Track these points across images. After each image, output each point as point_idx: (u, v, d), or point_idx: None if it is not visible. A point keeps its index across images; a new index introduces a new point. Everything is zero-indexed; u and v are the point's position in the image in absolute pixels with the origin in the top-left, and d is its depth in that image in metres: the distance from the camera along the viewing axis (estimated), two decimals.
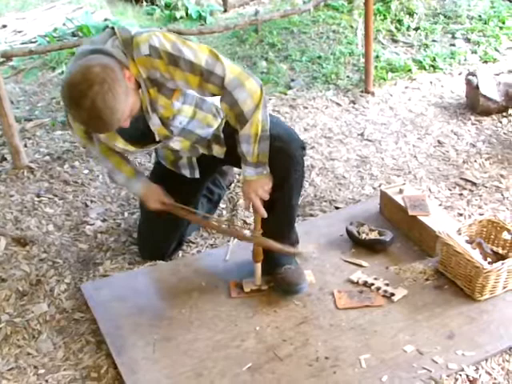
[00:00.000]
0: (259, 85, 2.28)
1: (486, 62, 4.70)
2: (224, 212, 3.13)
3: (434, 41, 4.98)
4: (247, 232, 2.70)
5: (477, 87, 3.91)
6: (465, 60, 4.72)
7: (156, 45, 2.15)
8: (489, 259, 2.50)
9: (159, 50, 2.15)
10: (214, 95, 2.31)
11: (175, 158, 2.62)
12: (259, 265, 2.52)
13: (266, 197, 2.41)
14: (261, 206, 2.40)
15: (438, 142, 3.72)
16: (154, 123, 2.33)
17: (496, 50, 4.83)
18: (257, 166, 2.34)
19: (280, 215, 2.51)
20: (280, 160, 2.37)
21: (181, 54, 2.17)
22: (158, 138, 2.40)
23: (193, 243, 2.92)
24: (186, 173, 2.65)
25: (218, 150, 2.55)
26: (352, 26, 5.19)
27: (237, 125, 2.30)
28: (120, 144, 2.39)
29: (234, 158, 2.40)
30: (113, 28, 2.22)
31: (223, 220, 3.05)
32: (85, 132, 2.44)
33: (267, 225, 2.45)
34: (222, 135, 2.52)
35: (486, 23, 5.16)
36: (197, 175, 2.65)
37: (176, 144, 2.47)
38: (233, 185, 3.29)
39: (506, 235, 2.62)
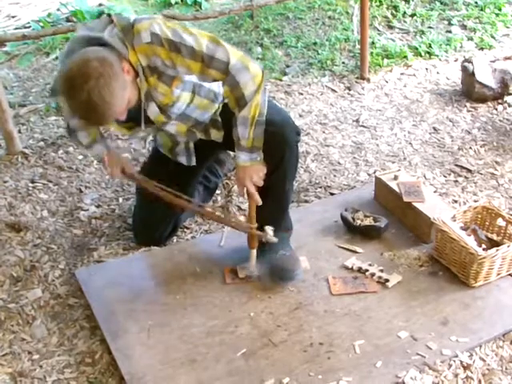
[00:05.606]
0: (261, 68, 2.30)
1: (481, 48, 4.68)
2: (219, 198, 3.12)
3: (429, 27, 4.96)
4: (242, 219, 2.69)
5: (472, 74, 3.90)
6: (461, 47, 4.70)
7: (157, 32, 2.13)
8: (483, 246, 2.50)
9: (161, 37, 2.14)
10: (215, 80, 2.31)
11: (173, 144, 2.61)
12: (254, 251, 2.52)
13: (261, 183, 2.41)
14: (255, 193, 2.40)
15: (434, 128, 3.71)
16: (152, 111, 2.32)
17: (492, 36, 4.81)
18: (251, 151, 2.34)
19: (274, 201, 2.51)
20: (274, 145, 2.37)
21: (182, 41, 2.16)
22: (155, 125, 2.40)
23: (187, 229, 2.91)
24: (183, 160, 2.63)
25: (216, 134, 2.54)
26: (348, 12, 5.16)
27: (236, 107, 2.31)
28: (113, 128, 2.37)
29: (232, 142, 2.39)
30: (109, 15, 2.19)
31: (217, 206, 3.05)
32: None
33: (261, 211, 2.45)
34: (219, 119, 2.51)
35: (482, 10, 5.14)
36: (193, 162, 2.63)
37: (172, 128, 2.46)
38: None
39: (500, 222, 2.62)
